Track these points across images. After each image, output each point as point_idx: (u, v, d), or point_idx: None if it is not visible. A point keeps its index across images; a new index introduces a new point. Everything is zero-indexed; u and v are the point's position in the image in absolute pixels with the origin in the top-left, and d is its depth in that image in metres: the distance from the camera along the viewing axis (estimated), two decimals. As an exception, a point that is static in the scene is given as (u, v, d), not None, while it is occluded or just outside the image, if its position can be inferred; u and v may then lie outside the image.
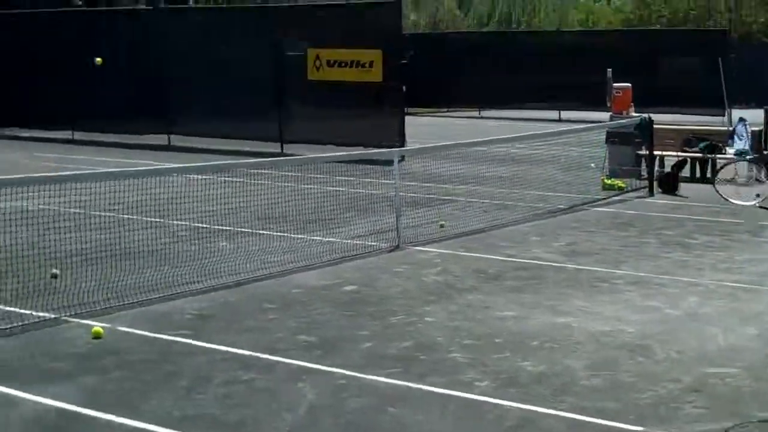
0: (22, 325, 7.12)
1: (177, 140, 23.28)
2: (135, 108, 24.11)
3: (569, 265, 9.57)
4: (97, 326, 6.99)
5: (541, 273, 9.24)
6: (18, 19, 26.82)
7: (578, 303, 8.11)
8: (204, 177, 12.07)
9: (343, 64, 20.92)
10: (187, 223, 11.45)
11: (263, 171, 14.94)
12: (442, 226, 11.67)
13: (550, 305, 8.01)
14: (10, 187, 8.08)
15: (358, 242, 10.62)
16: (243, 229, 11.14)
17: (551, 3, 54.82)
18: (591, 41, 36.85)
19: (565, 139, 19.50)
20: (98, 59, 20.33)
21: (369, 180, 15.31)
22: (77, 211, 10.57)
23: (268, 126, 22.12)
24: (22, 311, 7.47)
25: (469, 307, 8.00)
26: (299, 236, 10.91)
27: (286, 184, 13.79)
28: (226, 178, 12.98)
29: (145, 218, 11.20)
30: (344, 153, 14.27)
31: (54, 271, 8.69)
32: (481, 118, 34.06)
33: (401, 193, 11.18)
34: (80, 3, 34.27)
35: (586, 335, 7.13)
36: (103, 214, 11.08)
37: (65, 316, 7.39)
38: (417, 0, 55.88)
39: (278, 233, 11.04)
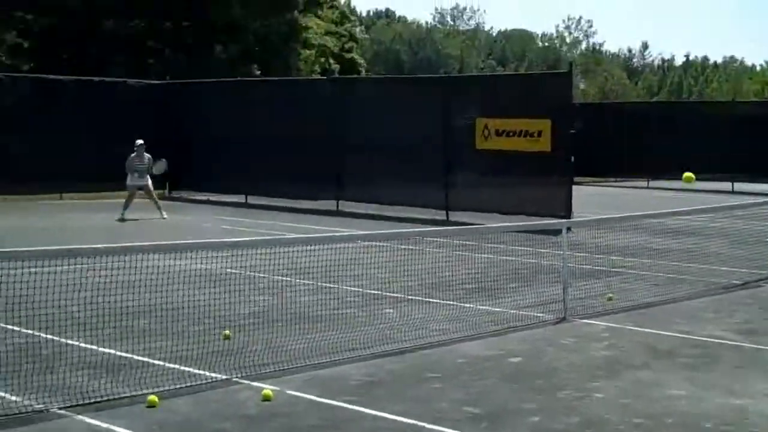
0: (195, 385, 7.29)
1: (345, 205, 23.73)
2: (305, 174, 24.77)
3: (746, 344, 9.14)
4: (267, 389, 7.10)
5: (715, 351, 8.85)
6: (197, 90, 28.17)
7: (756, 385, 7.71)
8: (373, 243, 12.22)
9: (511, 134, 20.91)
10: (356, 288, 11.58)
11: (429, 238, 15.02)
12: (610, 299, 11.37)
13: (726, 386, 7.65)
14: (198, 251, 8.39)
15: (523, 313, 10.47)
16: (409, 296, 11.15)
17: (724, 73, 53.53)
18: (766, 112, 35.63)
19: (739, 212, 18.80)
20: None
21: (535, 250, 15.13)
22: (252, 274, 10.88)
23: (435, 193, 22.29)
24: (196, 371, 7.66)
25: (639, 384, 7.73)
26: (464, 305, 10.84)
27: (451, 251, 13.80)
28: (394, 245, 13.09)
29: (315, 283, 11.39)
30: (511, 223, 14.17)
31: (226, 332, 8.92)
32: (649, 188, 33.27)
33: (568, 264, 10.98)
34: (258, 73, 35.72)
35: (765, 420, 6.76)
36: (275, 277, 11.36)
37: (236, 377, 7.54)
38: (587, 70, 55.46)
39: (443, 301, 11.00)
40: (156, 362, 7.80)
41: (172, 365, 7.75)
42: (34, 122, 25.06)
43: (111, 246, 7.61)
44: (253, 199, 25.63)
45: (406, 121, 22.76)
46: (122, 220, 20.91)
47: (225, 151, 26.36)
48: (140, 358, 7.95)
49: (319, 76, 43.79)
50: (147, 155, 21.54)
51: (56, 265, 7.60)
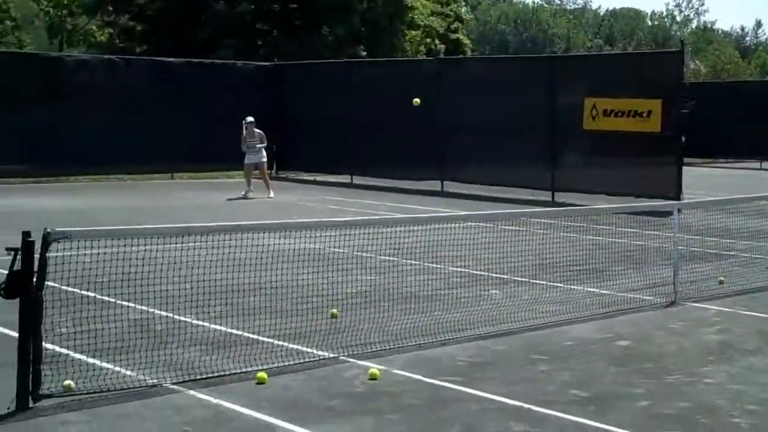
0: (303, 362, 7.38)
1: (449, 186, 23.69)
2: (410, 154, 24.80)
3: None
4: (374, 368, 7.14)
5: (833, 338, 8.55)
6: (304, 71, 28.44)
7: None
8: (478, 224, 12.16)
9: (620, 114, 20.53)
10: (461, 269, 11.57)
11: (535, 219, 14.88)
12: (721, 282, 11.09)
13: None
14: (298, 231, 8.47)
15: (632, 296, 10.29)
16: (515, 278, 11.08)
17: None
18: None
19: None
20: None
21: (643, 231, 14.84)
22: (359, 254, 10.95)
23: (541, 174, 22.07)
24: (305, 349, 7.76)
25: (752, 370, 7.52)
26: (571, 287, 10.72)
27: (557, 233, 13.64)
28: (499, 226, 13.01)
29: (420, 263, 11.41)
30: (619, 204, 13.92)
31: (334, 311, 9.00)
32: (762, 169, 32.27)
33: (678, 247, 10.74)
34: (364, 54, 35.80)
35: None
36: (381, 257, 11.41)
37: (344, 356, 7.60)
38: (698, 49, 54.07)
39: (550, 283, 10.91)
40: (265, 339, 7.92)
41: (280, 342, 7.86)
42: (145, 103, 25.62)
43: (222, 225, 7.76)
44: (358, 180, 25.80)
45: (512, 101, 22.56)
46: (244, 197, 21.27)
47: (331, 132, 26.59)
48: (250, 335, 8.08)
49: (424, 57, 43.72)
50: (258, 131, 21.83)
51: (170, 243, 7.77)
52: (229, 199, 21.22)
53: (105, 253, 8.23)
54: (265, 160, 22.05)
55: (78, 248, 7.40)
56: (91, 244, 7.08)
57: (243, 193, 21.58)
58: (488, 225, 12.61)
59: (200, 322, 8.42)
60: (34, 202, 19.67)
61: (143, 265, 8.03)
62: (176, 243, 7.79)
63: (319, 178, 27.07)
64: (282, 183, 25.96)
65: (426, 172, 24.49)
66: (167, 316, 8.44)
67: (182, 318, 8.41)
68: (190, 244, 8.37)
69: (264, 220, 14.44)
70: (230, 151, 22.91)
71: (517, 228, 13.72)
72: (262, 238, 9.05)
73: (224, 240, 8.82)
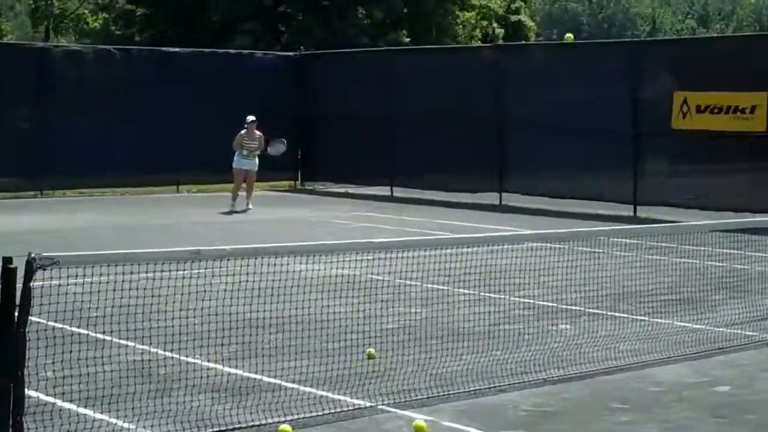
0: (335, 412, 7.41)
1: (509, 199, 23.69)
2: (462, 161, 24.80)
3: None
4: (419, 419, 7.15)
5: None
6: (334, 62, 28.59)
7: None
8: (544, 245, 12.15)
9: (716, 110, 20.42)
10: (524, 299, 11.55)
11: (614, 239, 14.82)
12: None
13: None
14: (328, 254, 8.52)
15: (732, 331, 10.22)
16: (589, 309, 11.04)
17: None
18: None
19: None
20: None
21: (747, 253, 14.72)
22: (401, 282, 10.96)
23: (620, 184, 22.02)
24: (336, 396, 7.77)
25: None
26: (658, 320, 10.67)
27: (641, 255, 13.58)
28: (570, 247, 12.99)
29: (473, 292, 11.40)
30: (716, 221, 13.84)
31: (371, 350, 9.02)
32: None
33: (789, 272, 10.66)
34: (407, 41, 35.96)
35: None
36: (428, 285, 11.41)
37: (382, 404, 7.61)
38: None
39: (631, 316, 10.87)
40: (288, 385, 7.95)
41: (307, 389, 7.89)
42: (147, 102, 25.86)
43: (238, 248, 7.80)
44: (399, 192, 25.86)
45: (585, 96, 22.48)
46: (232, 212, 21.55)
47: (366, 134, 26.69)
48: (270, 380, 8.12)
49: (479, 43, 43.76)
50: (258, 133, 22.18)
51: (176, 270, 7.84)
52: (229, 213, 21.48)
53: (100, 282, 8.31)
54: (256, 169, 22.38)
55: (68, 276, 7.48)
56: (83, 271, 7.15)
57: (230, 208, 21.92)
58: (558, 246, 12.60)
59: (211, 365, 8.47)
60: (14, 220, 19.95)
61: (144, 297, 8.11)
62: (184, 269, 7.87)
63: (352, 190, 27.15)
64: (308, 197, 26.09)
65: (482, 182, 24.49)
66: (172, 358, 8.51)
67: (190, 359, 8.47)
68: (200, 270, 8.45)
69: (286, 241, 14.47)
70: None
71: (593, 249, 13.69)
72: (285, 264, 9.10)
73: (240, 266, 8.89)
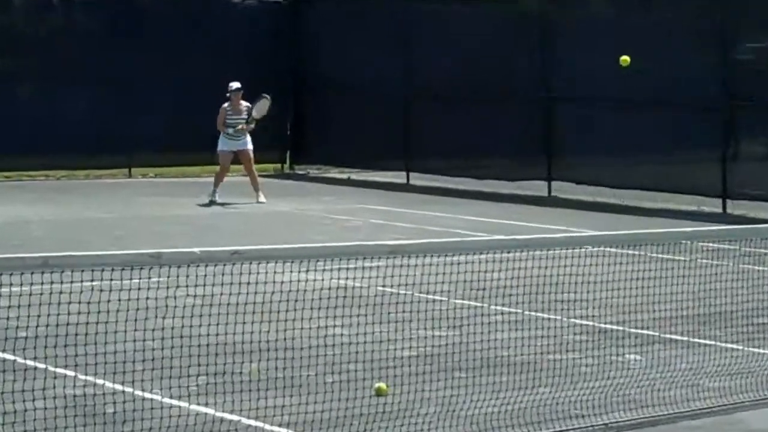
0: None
1: (560, 189, 23.63)
2: (498, 141, 24.77)
3: None
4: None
5: None
6: (332, 12, 28.49)
7: None
8: (607, 250, 12.06)
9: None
10: (580, 320, 11.50)
11: (699, 242, 14.72)
12: None
13: None
14: (327, 260, 8.45)
15: None
16: (665, 335, 11.03)
17: None
18: None
19: None
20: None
21: None
22: (419, 295, 10.90)
23: (703, 173, 21.98)
24: (336, 444, 7.76)
25: None
26: (754, 350, 10.66)
27: (734, 264, 13.51)
28: (640, 253, 12.93)
29: (515, 311, 11.34)
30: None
31: (380, 385, 8.96)
32: None
33: None
34: None
35: None
36: (456, 301, 11.36)
37: (397, 454, 7.59)
38: None
39: (721, 343, 10.86)
40: (274, 428, 7.95)
41: (298, 434, 7.87)
42: (94, 62, 25.85)
43: (210, 250, 7.74)
44: (418, 179, 25.83)
45: (658, 58, 22.41)
46: (211, 203, 21.49)
47: (376, 105, 26.66)
48: (250, 421, 8.10)
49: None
50: (245, 104, 22.18)
51: (129, 279, 7.77)
52: (209, 204, 21.37)
53: (30, 294, 8.27)
54: (251, 147, 22.28)
55: (-9, 285, 7.45)
56: (9, 279, 7.11)
57: (210, 197, 21.87)
58: (624, 252, 12.49)
59: (174, 402, 8.42)
60: None
61: (89, 313, 8.06)
62: (140, 278, 7.79)
63: (357, 176, 27.13)
64: (299, 184, 26.08)
65: (524, 167, 24.48)
66: (123, 392, 8.46)
67: (146, 394, 8.43)
68: (160, 279, 8.37)
69: (272, 242, 14.36)
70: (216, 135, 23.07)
71: (670, 257, 13.56)
72: (270, 272, 9.05)
73: (213, 274, 8.83)
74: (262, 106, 22.34)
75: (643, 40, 22.83)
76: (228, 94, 22.05)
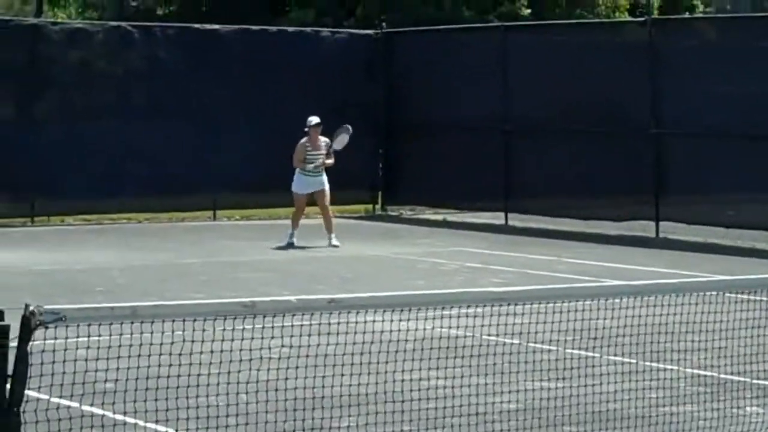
0: None
1: (669, 229, 23.47)
2: (603, 178, 24.67)
3: None
4: None
5: None
6: (428, 42, 28.58)
7: None
8: (732, 296, 11.97)
9: None
10: (699, 369, 11.40)
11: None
12: None
13: None
14: (425, 308, 8.45)
15: None
16: (788, 386, 10.87)
17: None
18: None
19: None
20: None
21: None
22: (525, 344, 10.85)
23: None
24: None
25: None
26: None
27: None
28: (761, 298, 12.81)
29: (629, 360, 11.26)
30: None
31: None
32: None
33: None
34: (527, 13, 35.92)
35: None
36: (566, 350, 11.30)
37: None
38: None
39: None
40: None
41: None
42: (175, 97, 26.06)
43: (306, 299, 7.77)
44: (516, 220, 25.76)
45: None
46: (289, 246, 21.46)
47: (473, 143, 26.64)
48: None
49: (626, 17, 43.51)
50: (324, 140, 22.08)
51: (221, 328, 7.82)
52: (287, 247, 21.59)
53: (120, 345, 8.32)
54: (328, 187, 22.18)
55: (77, 336, 7.50)
56: (97, 329, 7.14)
57: (287, 240, 21.86)
58: (746, 298, 12.40)
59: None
60: (-1, 257, 20.20)
61: (180, 364, 8.09)
62: (232, 327, 7.82)
63: (453, 217, 27.10)
64: (392, 226, 26.09)
65: (630, 206, 24.35)
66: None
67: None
68: (253, 328, 8.40)
69: (366, 289, 14.43)
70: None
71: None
72: (365, 321, 9.06)
73: (309, 323, 8.83)
74: (342, 138, 22.27)
75: (757, 69, 22.67)
76: (306, 129, 22.02)
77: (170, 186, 26.05)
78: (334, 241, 21.83)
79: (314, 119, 21.97)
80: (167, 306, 7.48)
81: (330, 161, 21.93)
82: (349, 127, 22.37)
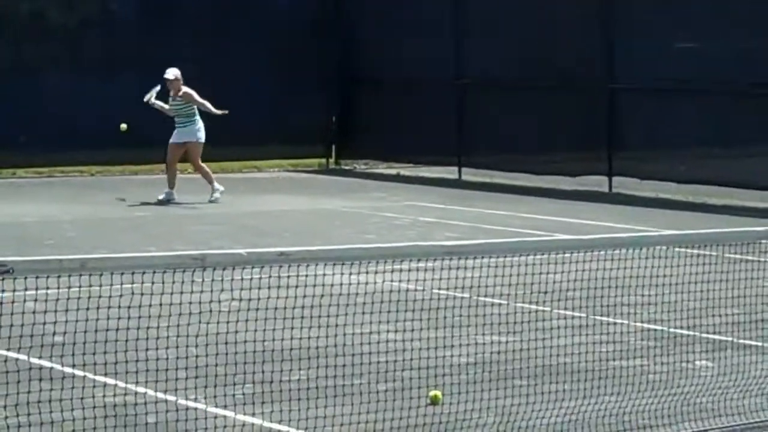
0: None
1: (623, 185, 23.53)
2: (557, 134, 24.70)
3: None
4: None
5: None
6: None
7: None
8: (682, 251, 12.01)
9: None
10: (648, 324, 11.47)
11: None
12: None
13: None
14: (378, 261, 8.46)
15: None
16: (740, 339, 10.95)
17: None
18: None
19: None
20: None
21: None
22: (476, 298, 10.89)
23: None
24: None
25: None
26: (834, 356, 10.58)
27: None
28: (714, 253, 12.88)
29: (579, 315, 11.31)
30: None
31: (435, 393, 8.96)
32: None
33: None
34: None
35: None
36: (516, 305, 11.34)
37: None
38: None
39: (798, 348, 10.77)
40: (325, 440, 7.93)
41: (351, 445, 7.88)
42: (130, 56, 25.87)
43: (257, 251, 7.76)
44: (471, 175, 25.75)
45: (728, 40, 22.32)
46: (166, 201, 21.44)
47: (427, 96, 26.58)
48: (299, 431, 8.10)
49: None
50: (187, 90, 21.91)
51: (171, 282, 7.79)
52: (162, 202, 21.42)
53: (68, 298, 8.29)
54: (201, 138, 21.94)
55: (25, 289, 7.47)
56: (45, 282, 7.12)
57: (161, 196, 21.60)
58: (696, 252, 12.44)
59: (219, 411, 8.45)
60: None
61: (129, 317, 8.08)
62: (181, 281, 7.82)
63: (407, 171, 27.08)
64: (345, 180, 26.04)
65: (585, 160, 24.40)
66: (166, 401, 8.49)
67: (190, 403, 8.45)
68: (203, 281, 8.41)
69: (319, 243, 14.42)
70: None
71: (744, 257, 13.47)
72: (318, 274, 9.07)
73: (259, 276, 8.83)
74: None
75: (714, 22, 22.72)
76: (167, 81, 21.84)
77: (123, 139, 25.86)
78: (217, 192, 21.54)
79: (172, 72, 21.90)
80: (116, 258, 7.50)
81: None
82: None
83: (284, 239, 16.87)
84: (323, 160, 28.31)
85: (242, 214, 20.54)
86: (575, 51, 24.42)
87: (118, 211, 20.69)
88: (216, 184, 21.57)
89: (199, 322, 8.98)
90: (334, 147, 28.42)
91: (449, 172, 26.18)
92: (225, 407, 8.54)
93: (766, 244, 13.01)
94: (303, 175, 26.60)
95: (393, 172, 27.29)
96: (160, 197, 21.47)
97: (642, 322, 11.61)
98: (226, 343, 8.97)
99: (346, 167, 28.11)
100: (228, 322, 9.11)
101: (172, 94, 21.90)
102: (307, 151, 27.68)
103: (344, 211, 20.84)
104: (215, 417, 8.34)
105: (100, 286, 7.63)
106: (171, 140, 21.93)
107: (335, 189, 24.27)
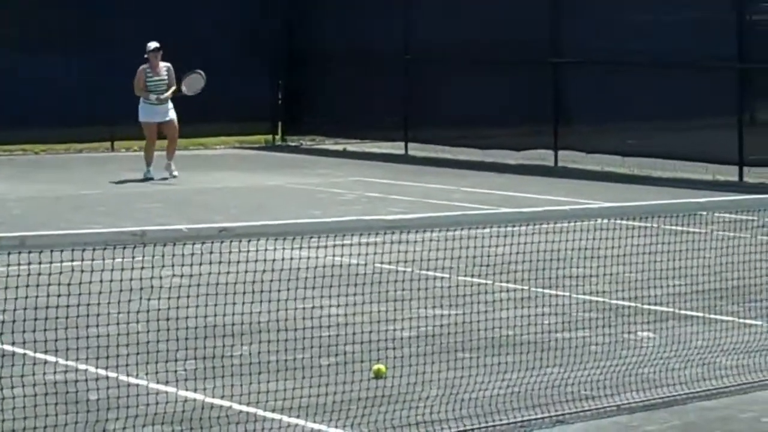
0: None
1: (568, 158, 23.60)
2: (504, 108, 24.74)
3: None
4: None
5: None
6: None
7: None
8: (623, 223, 12.07)
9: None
10: (590, 296, 11.51)
11: (717, 213, 14.68)
12: None
13: None
14: (321, 236, 8.45)
15: None
16: (680, 311, 11.01)
17: None
18: None
19: None
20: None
21: None
22: (420, 272, 10.90)
23: (718, 138, 21.86)
24: (331, 429, 7.80)
25: None
26: (773, 326, 10.64)
27: (755, 236, 13.49)
28: (655, 225, 12.95)
29: (522, 287, 11.36)
30: None
31: (379, 367, 8.99)
32: None
33: None
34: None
35: None
36: (460, 278, 11.36)
37: (398, 440, 7.59)
38: None
39: (740, 319, 10.87)
40: (267, 414, 7.97)
41: (292, 419, 7.92)
42: (75, 34, 25.77)
43: (197, 227, 7.75)
44: (417, 150, 25.78)
45: (667, 17, 22.39)
46: (148, 179, 21.28)
47: (374, 72, 26.56)
48: (242, 407, 8.12)
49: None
50: (166, 65, 21.72)
51: (111, 258, 7.77)
52: (144, 179, 21.52)
53: (8, 276, 8.27)
54: (175, 116, 21.72)
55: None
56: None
57: (145, 175, 21.64)
58: (638, 225, 12.50)
59: (161, 387, 8.44)
60: None
61: (69, 294, 8.06)
62: (122, 257, 7.80)
63: (353, 147, 27.09)
64: (291, 156, 26.03)
65: (530, 134, 24.45)
66: (107, 378, 8.46)
67: (132, 380, 8.44)
68: (144, 258, 8.39)
69: (263, 218, 14.36)
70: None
71: (685, 229, 13.56)
72: (261, 250, 9.05)
73: (200, 252, 8.84)
74: (195, 83, 21.89)
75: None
76: (146, 56, 21.58)
77: (67, 117, 25.77)
78: (174, 171, 21.58)
79: (153, 44, 21.53)
80: (56, 236, 7.45)
81: (168, 93, 21.50)
82: (202, 72, 21.97)
83: (231, 216, 16.83)
84: (270, 137, 28.26)
85: (190, 191, 20.49)
86: (521, 25, 24.42)
87: (64, 189, 20.56)
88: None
89: (141, 298, 8.95)
90: (280, 124, 28.39)
91: (396, 148, 26.22)
92: (167, 383, 8.52)
93: (708, 216, 13.15)
94: (250, 152, 26.55)
95: (339, 148, 27.31)
96: (149, 175, 21.63)
97: (584, 294, 11.66)
98: (168, 320, 8.93)
99: (293, 144, 28.08)
100: (170, 299, 9.07)
101: (153, 69, 21.57)
102: (253, 128, 27.63)
103: (291, 188, 20.83)
104: (157, 393, 8.33)
105: (40, 263, 7.61)
106: (156, 119, 21.60)
107: (282, 165, 24.26)
